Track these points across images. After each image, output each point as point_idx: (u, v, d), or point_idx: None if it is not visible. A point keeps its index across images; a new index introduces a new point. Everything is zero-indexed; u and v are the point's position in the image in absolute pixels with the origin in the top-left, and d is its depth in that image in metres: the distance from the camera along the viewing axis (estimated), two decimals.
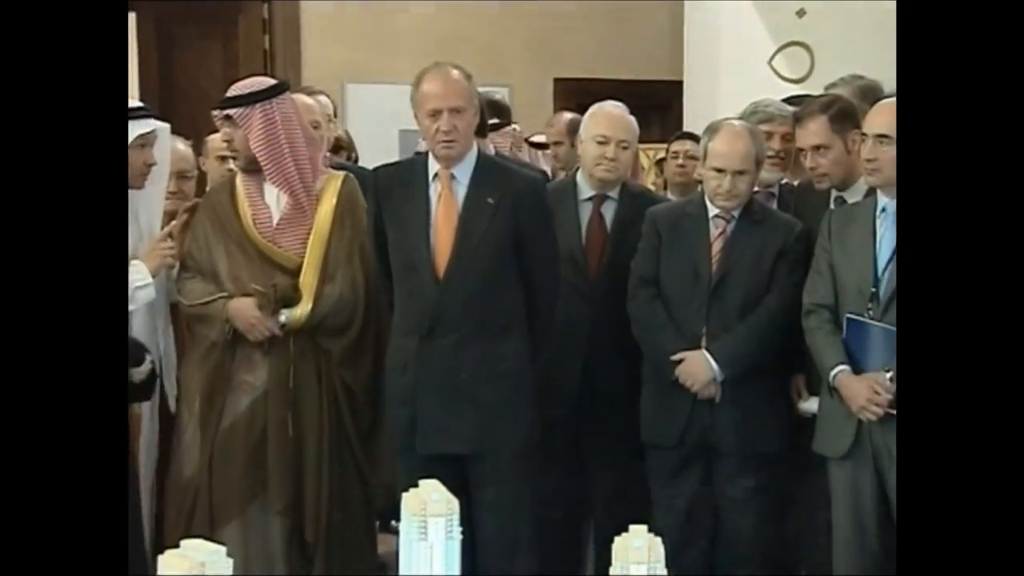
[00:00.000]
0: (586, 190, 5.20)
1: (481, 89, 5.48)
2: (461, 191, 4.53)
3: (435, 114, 4.44)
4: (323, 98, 6.21)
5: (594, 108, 5.33)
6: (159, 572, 2.65)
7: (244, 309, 4.64)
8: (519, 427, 4.52)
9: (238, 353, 4.73)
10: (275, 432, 4.71)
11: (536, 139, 7.15)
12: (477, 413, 4.47)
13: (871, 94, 4.98)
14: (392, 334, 4.66)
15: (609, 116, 5.22)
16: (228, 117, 4.76)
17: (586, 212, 5.20)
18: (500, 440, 4.47)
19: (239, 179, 4.88)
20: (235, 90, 4.83)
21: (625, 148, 5.15)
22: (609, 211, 5.20)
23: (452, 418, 4.48)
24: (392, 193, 4.63)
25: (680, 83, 8.77)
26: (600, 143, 5.10)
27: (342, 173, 5.01)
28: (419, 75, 4.54)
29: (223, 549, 2.68)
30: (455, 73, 4.54)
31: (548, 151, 7.03)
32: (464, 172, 4.54)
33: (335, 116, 6.33)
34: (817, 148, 4.84)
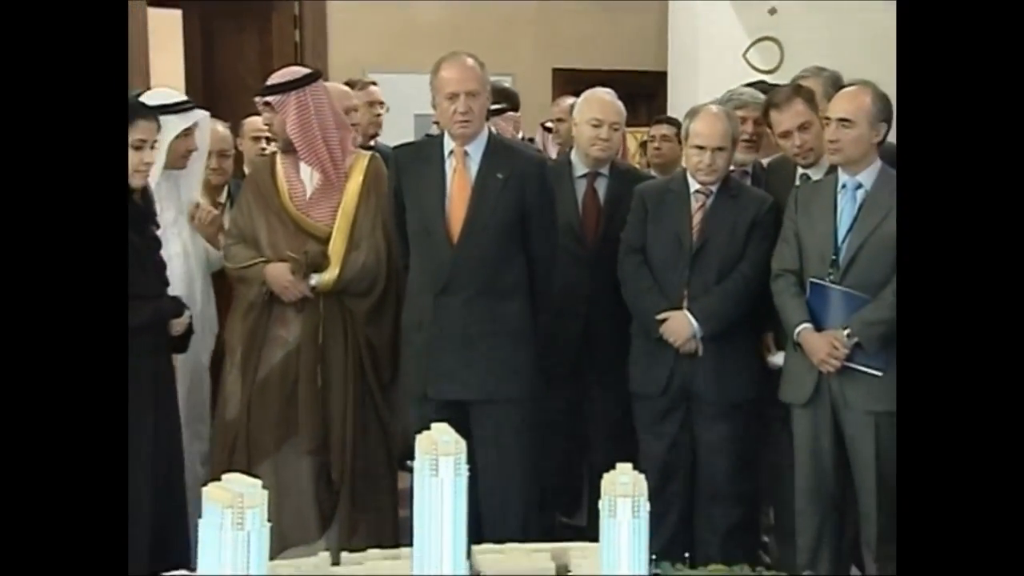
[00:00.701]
0: (580, 168, 5.22)
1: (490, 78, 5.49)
2: (474, 167, 4.55)
3: (453, 97, 4.47)
4: (373, 88, 6.36)
5: (587, 94, 5.35)
6: (204, 502, 2.65)
7: (279, 274, 4.66)
8: (520, 377, 4.53)
9: (274, 311, 4.75)
10: (306, 382, 4.72)
11: (548, 124, 7.16)
12: (483, 364, 4.48)
13: (835, 83, 4.96)
14: (408, 293, 4.67)
15: (601, 101, 5.24)
16: (268, 104, 4.76)
17: (581, 188, 5.21)
18: (503, 388, 4.48)
19: (279, 158, 4.88)
20: (273, 79, 4.84)
21: (616, 130, 5.20)
22: (601, 187, 5.23)
23: (462, 368, 4.49)
24: (410, 168, 4.64)
25: (664, 73, 8.77)
26: (594, 125, 5.14)
27: (369, 153, 5.02)
28: (437, 63, 4.57)
29: (259, 483, 2.68)
30: (470, 61, 4.56)
31: (549, 134, 7.05)
32: (477, 150, 4.56)
33: (382, 104, 6.38)
34: (802, 126, 4.83)
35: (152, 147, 4.18)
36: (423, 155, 4.67)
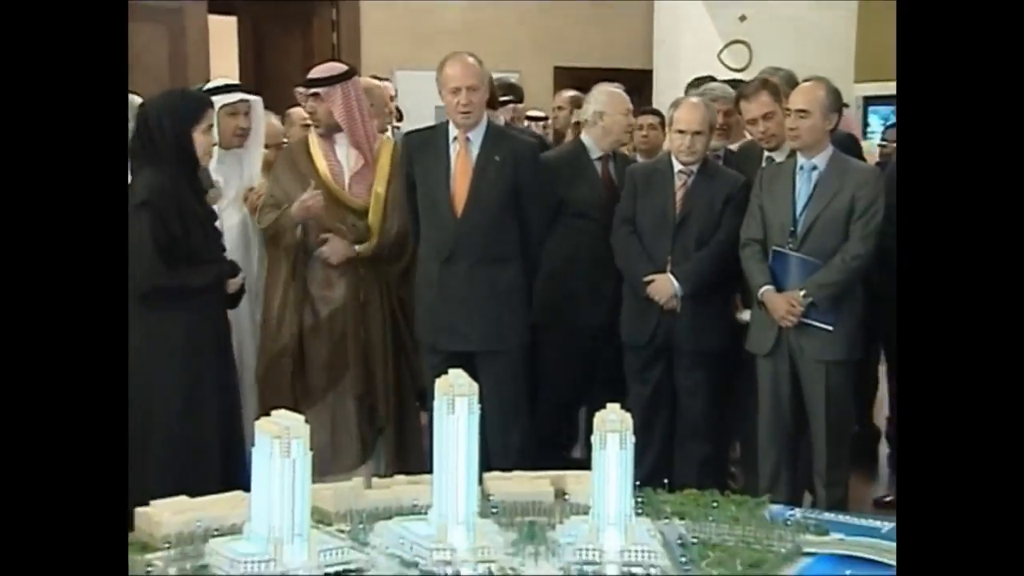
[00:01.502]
0: (596, 152, 5.19)
1: (497, 74, 5.45)
2: (475, 150, 4.54)
3: (456, 91, 4.46)
4: (388, 83, 6.29)
5: (614, 88, 5.33)
6: (256, 434, 2.66)
7: (340, 246, 4.66)
8: (515, 331, 4.58)
9: (318, 276, 4.73)
10: (352, 336, 4.73)
11: (531, 113, 7.11)
12: (483, 320, 4.51)
13: (791, 80, 4.96)
14: (419, 260, 4.68)
15: (621, 97, 5.27)
16: (315, 94, 4.73)
17: (598, 167, 5.20)
18: (500, 340, 4.52)
19: (312, 140, 4.83)
20: (319, 72, 4.80)
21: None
22: (611, 167, 5.23)
23: (464, 324, 4.51)
24: (420, 151, 4.64)
25: (650, 71, 8.72)
26: (624, 116, 5.26)
27: (392, 138, 5.02)
28: (442, 61, 4.56)
29: (301, 418, 2.68)
30: (470, 59, 4.54)
31: (540, 123, 7.01)
32: (477, 136, 4.55)
33: (393, 98, 6.36)
34: (766, 115, 4.83)
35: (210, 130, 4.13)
36: (431, 140, 4.66)
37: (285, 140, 5.54)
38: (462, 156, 4.55)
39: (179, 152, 3.97)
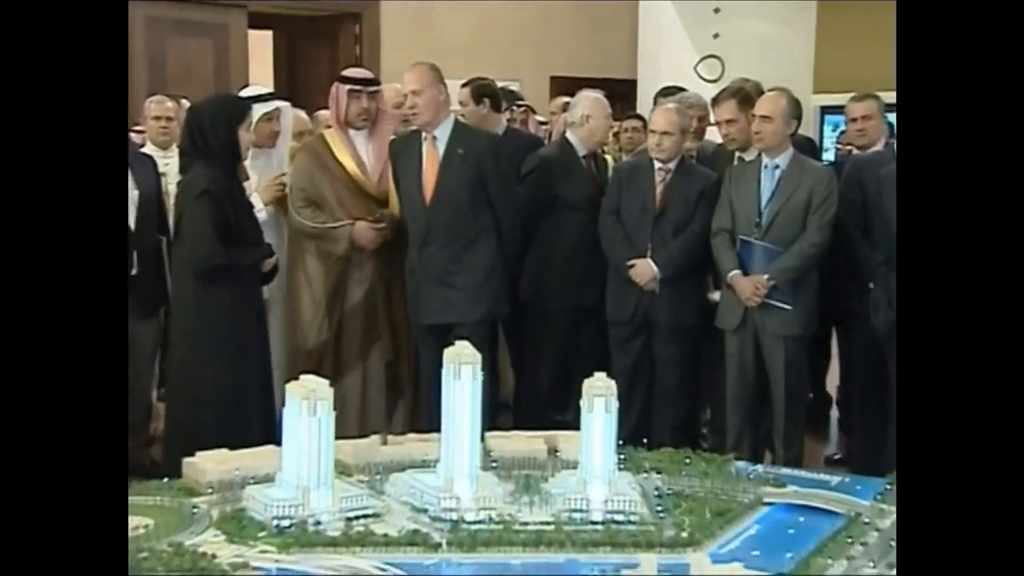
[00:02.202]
0: (582, 150, 5.10)
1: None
2: (441, 147, 4.44)
3: (406, 96, 4.45)
4: (398, 86, 6.20)
5: (598, 95, 5.24)
6: (287, 395, 2.65)
7: (365, 230, 4.59)
8: (484, 305, 4.47)
9: (353, 259, 4.65)
10: (382, 311, 4.70)
11: (538, 118, 7.07)
12: (457, 295, 4.42)
13: (758, 90, 4.94)
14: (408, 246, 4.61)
15: (604, 103, 5.19)
16: (373, 93, 4.72)
17: (584, 164, 5.10)
18: (470, 314, 4.40)
19: (332, 137, 4.75)
20: (369, 75, 4.83)
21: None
22: (592, 165, 5.16)
23: (440, 299, 4.44)
24: (400, 152, 4.56)
25: (634, 81, 8.68)
26: (606, 119, 5.19)
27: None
28: None
29: (326, 381, 2.67)
30: (419, 67, 4.47)
31: (544, 126, 6.98)
32: (443, 134, 4.44)
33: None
34: (729, 121, 4.83)
35: (250, 128, 4.16)
36: (409, 141, 4.57)
37: (311, 131, 5.49)
38: (430, 152, 4.46)
39: (228, 148, 4.01)
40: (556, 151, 5.19)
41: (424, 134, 4.47)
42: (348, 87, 4.72)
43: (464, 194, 4.42)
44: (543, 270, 5.00)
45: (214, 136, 3.98)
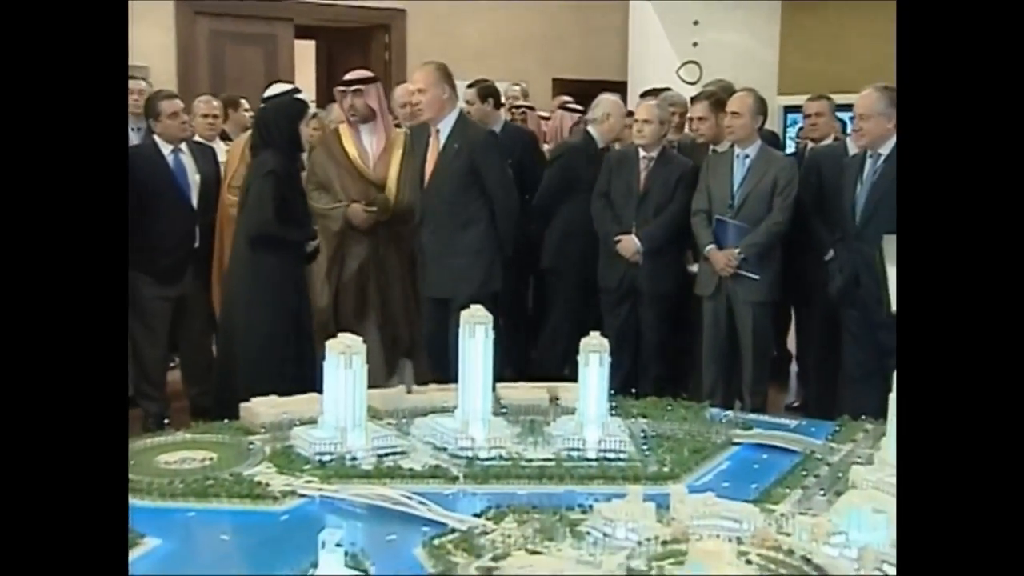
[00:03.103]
0: (601, 143, 5.09)
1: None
2: (443, 139, 4.32)
3: (414, 93, 4.35)
4: (410, 86, 6.10)
5: (616, 97, 5.25)
6: (326, 350, 2.63)
7: (358, 211, 4.54)
8: (474, 285, 4.23)
9: (349, 235, 4.60)
10: (374, 281, 4.63)
11: (542, 114, 7.02)
12: (451, 273, 4.29)
13: (730, 90, 4.90)
14: None
15: (621, 104, 5.19)
16: (358, 91, 4.61)
17: (602, 153, 5.05)
18: (464, 290, 4.17)
19: (343, 131, 4.72)
20: (357, 75, 4.71)
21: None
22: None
23: (437, 276, 4.34)
24: (414, 141, 4.49)
25: (625, 82, 8.61)
26: (621, 117, 5.12)
27: (404, 129, 4.90)
28: None
29: (359, 338, 2.65)
30: (426, 67, 4.33)
31: (546, 121, 6.93)
32: (446, 127, 4.30)
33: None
34: (701, 119, 4.84)
35: (308, 124, 4.22)
36: (420, 132, 4.45)
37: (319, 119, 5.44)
38: (433, 143, 4.34)
39: (290, 139, 4.06)
40: (580, 141, 5.17)
41: (431, 127, 4.38)
42: (338, 88, 4.74)
43: (457, 182, 4.28)
44: (563, 242, 4.98)
45: (277, 129, 4.04)
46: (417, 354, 4.68)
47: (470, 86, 5.43)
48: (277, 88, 4.98)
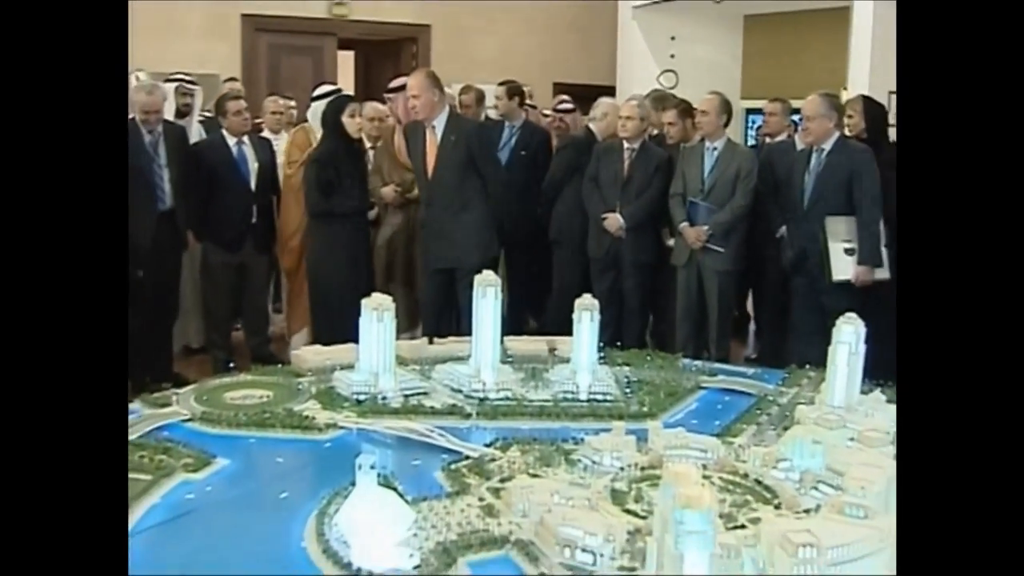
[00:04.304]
0: (599, 137, 4.98)
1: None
2: (439, 133, 4.22)
3: (409, 98, 4.21)
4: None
5: (614, 100, 5.22)
6: (363, 307, 2.59)
7: (389, 192, 4.73)
8: (476, 255, 4.10)
9: (389, 210, 4.79)
10: (402, 248, 4.83)
11: (545, 112, 6.93)
12: (453, 246, 4.21)
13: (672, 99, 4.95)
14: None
15: (617, 106, 5.01)
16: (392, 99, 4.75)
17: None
18: (464, 261, 4.11)
19: (397, 128, 4.83)
20: (398, 83, 4.85)
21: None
22: None
23: (441, 249, 4.26)
24: (412, 137, 4.38)
25: (614, 86, 8.51)
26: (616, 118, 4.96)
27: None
28: None
29: (389, 297, 2.63)
30: (417, 74, 4.24)
31: (547, 118, 6.84)
32: (440, 123, 4.20)
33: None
34: (670, 124, 4.80)
35: (352, 116, 4.32)
36: (416, 128, 4.33)
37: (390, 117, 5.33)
38: (430, 138, 4.22)
39: (336, 128, 4.27)
40: (582, 136, 5.11)
41: (426, 124, 4.26)
42: (387, 93, 4.94)
43: (456, 169, 4.20)
44: (567, 219, 4.93)
45: (324, 121, 4.33)
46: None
47: (500, 84, 5.37)
48: (323, 88, 5.04)
